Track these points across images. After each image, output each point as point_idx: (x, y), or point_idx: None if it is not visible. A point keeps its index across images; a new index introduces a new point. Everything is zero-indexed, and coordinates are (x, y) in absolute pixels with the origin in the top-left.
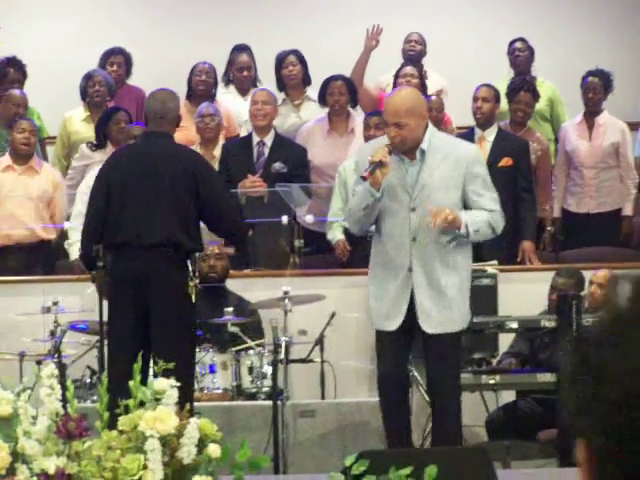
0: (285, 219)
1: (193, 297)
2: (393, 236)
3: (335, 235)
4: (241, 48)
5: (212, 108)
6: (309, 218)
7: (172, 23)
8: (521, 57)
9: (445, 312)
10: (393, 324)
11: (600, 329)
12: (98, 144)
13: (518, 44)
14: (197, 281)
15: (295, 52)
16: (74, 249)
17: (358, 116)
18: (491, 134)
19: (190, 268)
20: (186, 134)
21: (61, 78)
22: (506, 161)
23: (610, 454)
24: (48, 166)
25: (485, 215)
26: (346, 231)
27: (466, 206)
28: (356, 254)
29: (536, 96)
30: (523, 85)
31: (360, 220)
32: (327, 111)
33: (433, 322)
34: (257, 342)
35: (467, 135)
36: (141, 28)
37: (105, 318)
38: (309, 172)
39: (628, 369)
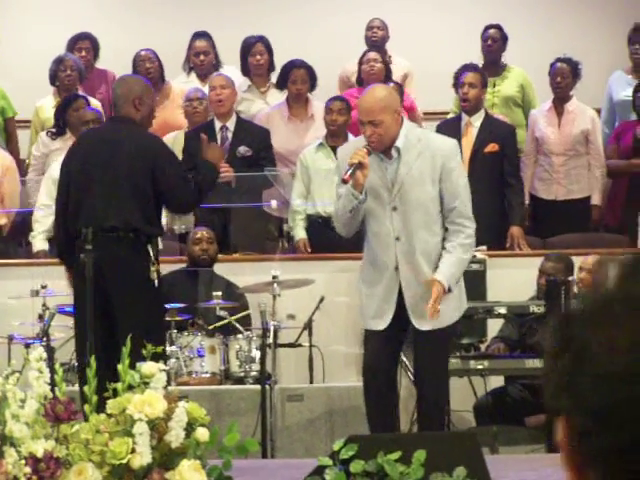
0: (274, 204)
1: (156, 282)
2: (378, 236)
3: (296, 233)
4: (199, 34)
5: (200, 92)
6: (273, 204)
7: (140, 7)
8: (493, 46)
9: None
10: (381, 323)
11: (584, 308)
12: (57, 132)
13: (492, 31)
14: (159, 266)
15: (262, 39)
16: (37, 240)
17: (316, 101)
18: (478, 120)
19: (151, 253)
20: (170, 118)
21: (30, 61)
22: (492, 147)
23: (591, 432)
24: None
25: (459, 257)
26: (309, 227)
27: (441, 198)
28: (319, 239)
29: (484, 78)
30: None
31: (347, 223)
32: (285, 96)
33: (423, 319)
34: (242, 314)
35: (454, 121)
36: (106, 14)
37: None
38: (273, 154)
39: (610, 348)
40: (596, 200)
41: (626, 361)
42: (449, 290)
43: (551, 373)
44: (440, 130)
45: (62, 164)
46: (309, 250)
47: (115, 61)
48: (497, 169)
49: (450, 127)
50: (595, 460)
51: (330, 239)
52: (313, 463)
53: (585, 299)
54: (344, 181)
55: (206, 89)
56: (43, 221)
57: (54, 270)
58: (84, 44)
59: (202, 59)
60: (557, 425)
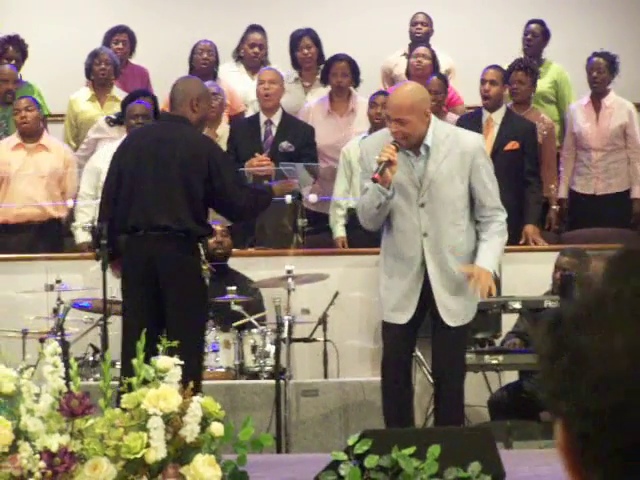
0: (289, 198)
1: (207, 280)
2: (403, 232)
3: (336, 230)
4: (255, 27)
5: (215, 87)
6: (312, 198)
7: (176, 3)
8: (534, 41)
9: (464, 304)
10: (403, 317)
11: (576, 310)
12: (117, 120)
13: (534, 26)
14: (209, 265)
15: (309, 32)
16: (79, 232)
17: (360, 96)
18: (499, 116)
19: (202, 252)
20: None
21: (64, 57)
22: (512, 145)
23: (590, 436)
24: (59, 143)
25: (498, 237)
26: (348, 222)
27: (472, 197)
28: (357, 234)
29: (532, 74)
30: (515, 64)
31: (374, 218)
32: (329, 91)
33: (453, 315)
34: (258, 316)
35: (475, 116)
36: (145, 7)
37: (109, 296)
38: (316, 151)
39: (606, 351)
40: (637, 193)
41: (624, 363)
42: (494, 274)
43: (547, 377)
44: (460, 124)
45: (113, 158)
46: (346, 247)
47: (150, 57)
48: (517, 167)
49: (471, 122)
50: (595, 463)
51: (370, 233)
52: (327, 458)
53: (576, 301)
54: (374, 180)
55: (253, 82)
56: (86, 212)
57: (68, 265)
58: (121, 37)
59: (256, 51)
60: (556, 428)
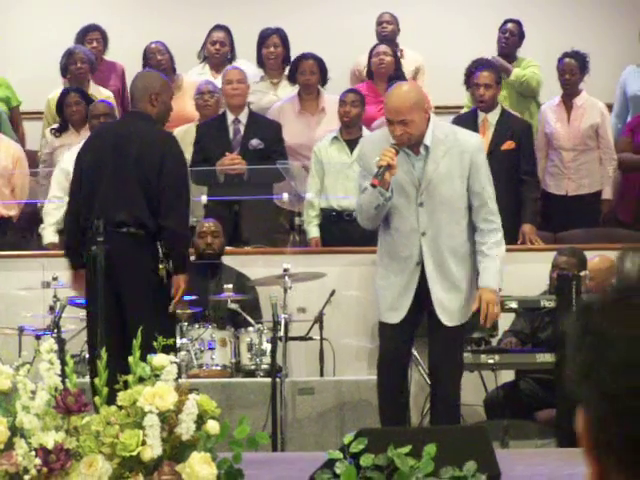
0: (286, 196)
1: (165, 279)
2: (401, 231)
3: (310, 230)
4: (219, 26)
5: (211, 85)
6: (285, 197)
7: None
8: (510, 39)
9: (460, 303)
10: (396, 317)
11: (604, 299)
12: (59, 128)
13: (511, 25)
14: (168, 264)
15: (278, 31)
16: (47, 232)
17: (328, 94)
18: (494, 117)
19: (160, 250)
20: (182, 110)
21: (38, 53)
22: (509, 144)
23: (611, 421)
24: (8, 141)
25: (495, 254)
26: (322, 222)
27: (469, 197)
28: (332, 232)
29: (498, 76)
30: (478, 65)
31: (372, 218)
32: (297, 90)
33: (449, 314)
34: (257, 322)
35: (470, 116)
36: (117, 5)
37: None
38: (285, 147)
39: (628, 336)
40: (607, 194)
41: None
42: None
43: (572, 362)
44: (456, 125)
45: (77, 157)
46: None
47: (124, 53)
48: (513, 166)
49: (466, 122)
50: (615, 448)
51: (344, 233)
52: (323, 456)
53: (606, 289)
54: (373, 185)
55: (218, 80)
56: (53, 213)
57: (64, 262)
58: (94, 35)
59: (218, 48)
60: (578, 414)
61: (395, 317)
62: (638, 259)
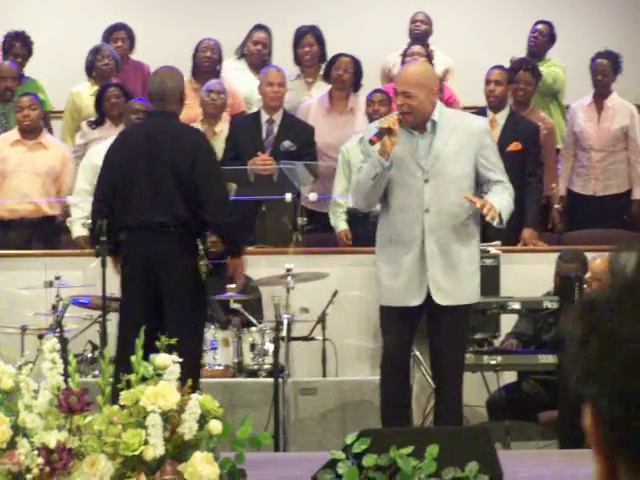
0: (289, 197)
1: (203, 276)
2: (405, 209)
3: (338, 225)
4: (261, 26)
5: (220, 85)
6: (312, 196)
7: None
8: (539, 39)
9: (457, 284)
10: (417, 299)
11: (608, 294)
12: (96, 121)
13: (541, 26)
14: (207, 261)
15: (313, 30)
16: (76, 227)
17: (359, 95)
18: (502, 117)
19: (200, 247)
20: (188, 111)
21: (65, 53)
22: (515, 145)
23: (619, 418)
24: (58, 142)
25: (507, 196)
26: (349, 220)
27: (478, 175)
28: (358, 233)
29: (536, 75)
30: (522, 65)
31: (368, 193)
32: (329, 89)
33: (444, 293)
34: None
35: (479, 115)
36: (146, 4)
37: (108, 293)
38: (316, 151)
39: (636, 333)
40: (638, 195)
41: None
42: (500, 222)
43: (578, 360)
44: None
45: (105, 156)
46: (350, 241)
47: (150, 53)
48: (519, 167)
49: None
50: (624, 445)
51: (370, 232)
52: (326, 456)
53: (608, 287)
54: (371, 142)
55: (256, 80)
56: (82, 206)
57: (67, 261)
58: (120, 34)
59: (260, 49)
60: (585, 411)
61: (415, 299)
62: (633, 256)
